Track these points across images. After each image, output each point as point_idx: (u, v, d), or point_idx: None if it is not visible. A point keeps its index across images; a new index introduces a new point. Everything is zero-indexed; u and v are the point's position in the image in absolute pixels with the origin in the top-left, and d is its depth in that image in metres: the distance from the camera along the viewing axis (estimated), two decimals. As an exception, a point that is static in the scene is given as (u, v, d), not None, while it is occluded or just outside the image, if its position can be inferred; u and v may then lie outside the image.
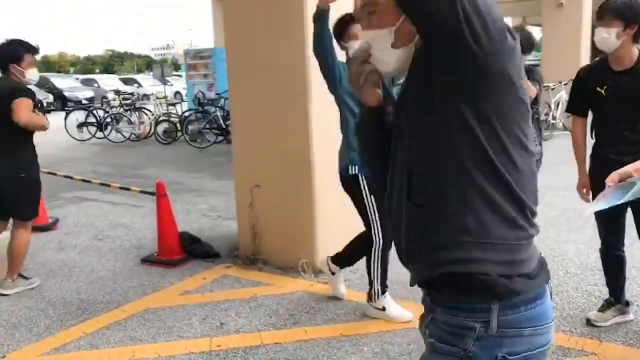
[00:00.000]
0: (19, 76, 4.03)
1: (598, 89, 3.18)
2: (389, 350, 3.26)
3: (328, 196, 4.37)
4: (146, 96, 20.95)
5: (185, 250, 4.89)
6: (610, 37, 2.99)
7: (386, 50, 1.31)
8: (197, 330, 3.62)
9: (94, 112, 14.56)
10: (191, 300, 4.05)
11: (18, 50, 4.02)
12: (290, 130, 4.34)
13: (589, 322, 3.43)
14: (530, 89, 3.31)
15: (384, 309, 3.59)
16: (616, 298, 3.44)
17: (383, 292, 3.59)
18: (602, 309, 3.46)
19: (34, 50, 4.09)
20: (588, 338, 3.31)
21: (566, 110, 3.53)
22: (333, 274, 3.87)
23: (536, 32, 13.81)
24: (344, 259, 3.83)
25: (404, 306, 3.62)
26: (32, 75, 4.09)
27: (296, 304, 3.94)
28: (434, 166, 1.28)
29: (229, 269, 4.63)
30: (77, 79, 31.55)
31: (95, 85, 28.89)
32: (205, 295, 4.12)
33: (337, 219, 4.51)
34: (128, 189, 5.99)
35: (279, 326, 3.62)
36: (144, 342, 3.48)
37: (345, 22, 3.39)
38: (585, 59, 13.10)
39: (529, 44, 4.02)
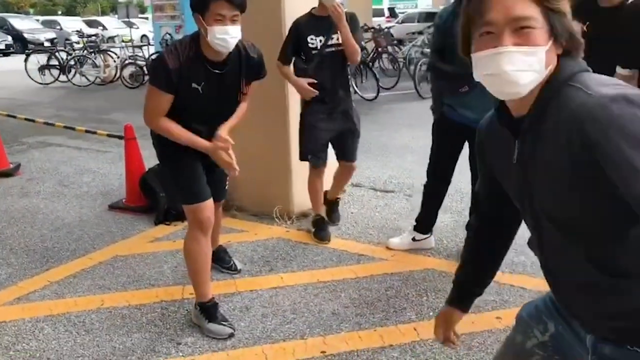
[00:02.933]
0: (204, 34, 2.60)
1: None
2: (366, 296, 3.20)
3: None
4: (111, 39, 20.19)
5: (151, 191, 4.56)
6: None
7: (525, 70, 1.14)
8: (169, 278, 3.50)
9: (57, 54, 13.93)
10: (162, 248, 3.92)
11: None
12: (266, 77, 4.14)
13: None
14: None
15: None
16: None
17: None
18: None
19: None
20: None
21: None
22: None
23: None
24: None
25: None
26: (215, 33, 2.54)
27: (271, 250, 3.84)
28: None
29: (201, 216, 4.47)
30: (38, 20, 30.25)
31: (58, 27, 27.82)
32: (176, 243, 3.97)
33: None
34: (94, 133, 5.73)
35: (254, 273, 3.53)
36: (113, 291, 3.35)
37: None
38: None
39: None
